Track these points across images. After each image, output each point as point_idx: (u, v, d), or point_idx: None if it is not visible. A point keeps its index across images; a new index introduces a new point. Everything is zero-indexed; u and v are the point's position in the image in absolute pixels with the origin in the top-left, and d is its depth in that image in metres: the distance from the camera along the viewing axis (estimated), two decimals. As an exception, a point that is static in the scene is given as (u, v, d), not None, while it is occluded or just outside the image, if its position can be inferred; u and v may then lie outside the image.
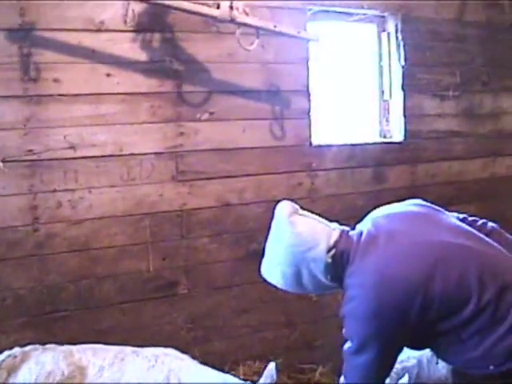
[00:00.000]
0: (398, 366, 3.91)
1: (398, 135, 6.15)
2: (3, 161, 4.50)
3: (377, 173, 5.96)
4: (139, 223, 4.97)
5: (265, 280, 3.25)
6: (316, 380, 5.38)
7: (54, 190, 4.69)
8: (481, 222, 3.31)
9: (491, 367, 2.91)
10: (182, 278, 5.16)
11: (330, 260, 3.02)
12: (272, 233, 3.18)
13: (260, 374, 3.83)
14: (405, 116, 6.14)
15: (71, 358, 3.81)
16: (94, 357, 3.86)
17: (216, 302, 5.33)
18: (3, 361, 3.77)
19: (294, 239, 3.03)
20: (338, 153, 5.73)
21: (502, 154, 6.82)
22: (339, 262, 3.05)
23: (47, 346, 3.95)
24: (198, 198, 5.16)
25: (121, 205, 4.90)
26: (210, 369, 3.82)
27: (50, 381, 3.70)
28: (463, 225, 3.21)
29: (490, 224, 3.32)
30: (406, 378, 3.80)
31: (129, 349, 3.95)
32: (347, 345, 3.01)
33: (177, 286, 5.15)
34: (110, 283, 4.93)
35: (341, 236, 3.10)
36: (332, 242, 3.06)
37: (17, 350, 3.83)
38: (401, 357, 3.92)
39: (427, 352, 3.89)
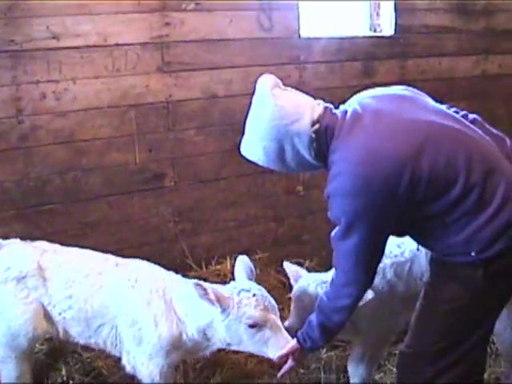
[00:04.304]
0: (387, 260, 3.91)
1: (388, 29, 6.04)
2: (-16, 52, 4.41)
3: (366, 67, 5.88)
4: (125, 115, 4.91)
5: (247, 159, 3.16)
6: (303, 274, 5.40)
7: (38, 82, 4.61)
8: (462, 112, 3.27)
9: (473, 253, 2.91)
10: (169, 170, 5.15)
11: (313, 135, 2.96)
12: (253, 108, 3.09)
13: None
14: (395, 10, 6.00)
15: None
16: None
17: (203, 194, 5.34)
18: None
19: (277, 112, 2.95)
20: (327, 46, 5.63)
21: (494, 51, 6.71)
22: (323, 137, 2.98)
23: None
24: (184, 89, 5.08)
25: (106, 96, 4.83)
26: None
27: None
28: (449, 110, 3.17)
29: (472, 115, 3.27)
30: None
31: (111, 261, 3.86)
32: (335, 230, 2.98)
33: (163, 179, 5.14)
34: (96, 176, 4.91)
35: (325, 111, 3.03)
36: (316, 116, 2.98)
37: None
38: (394, 251, 3.96)
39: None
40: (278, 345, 3.37)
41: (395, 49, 6.04)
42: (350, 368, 4.18)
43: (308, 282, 3.81)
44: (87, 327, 3.70)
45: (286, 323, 3.62)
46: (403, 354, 3.28)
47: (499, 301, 3.11)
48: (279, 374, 3.52)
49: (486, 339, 3.19)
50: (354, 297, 3.08)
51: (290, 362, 3.37)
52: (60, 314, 3.70)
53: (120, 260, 3.85)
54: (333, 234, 2.99)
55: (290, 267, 4.00)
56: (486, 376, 4.15)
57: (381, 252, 3.06)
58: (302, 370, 4.49)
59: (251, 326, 3.37)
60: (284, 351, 3.33)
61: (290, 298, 3.94)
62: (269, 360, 3.59)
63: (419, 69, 6.20)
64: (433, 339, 3.10)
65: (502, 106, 6.65)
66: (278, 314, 3.50)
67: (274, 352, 3.38)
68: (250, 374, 4.54)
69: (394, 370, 3.71)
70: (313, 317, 3.21)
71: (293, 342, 3.31)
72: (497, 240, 2.88)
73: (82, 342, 3.83)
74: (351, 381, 4.21)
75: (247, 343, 3.46)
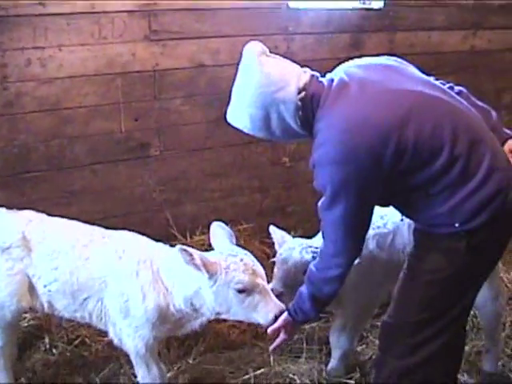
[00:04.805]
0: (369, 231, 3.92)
1: (377, 2, 5.96)
2: (-32, 17, 4.35)
3: (354, 39, 5.85)
4: (111, 83, 4.87)
5: (233, 127, 3.16)
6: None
7: (23, 48, 4.55)
8: (448, 84, 3.26)
9: (457, 224, 2.93)
10: (155, 139, 5.12)
11: (299, 103, 2.96)
12: (240, 75, 3.09)
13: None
14: (385, -18, 5.96)
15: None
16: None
17: (188, 164, 5.32)
18: None
19: (264, 79, 2.95)
20: (316, 17, 5.59)
21: (484, 27, 6.67)
22: (309, 105, 2.99)
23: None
24: (171, 58, 5.04)
25: (92, 64, 4.78)
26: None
27: None
28: (435, 81, 3.17)
29: (458, 87, 3.28)
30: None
31: (98, 232, 3.82)
32: (321, 200, 2.98)
33: (149, 148, 5.12)
34: (81, 144, 4.88)
35: (311, 79, 3.04)
36: (302, 83, 2.99)
37: None
38: (377, 222, 3.96)
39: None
40: (267, 309, 3.36)
41: (384, 22, 6.00)
42: (332, 339, 4.21)
43: (292, 246, 3.83)
44: (73, 300, 3.67)
45: (269, 286, 3.63)
46: (385, 324, 3.31)
47: (482, 272, 3.15)
48: (271, 348, 3.54)
49: (467, 311, 3.24)
50: (344, 266, 3.09)
51: (282, 336, 3.38)
52: (45, 286, 3.67)
53: (107, 231, 3.82)
54: (319, 203, 3.00)
55: (275, 232, 4.03)
56: (467, 349, 4.21)
57: (367, 221, 3.07)
58: (284, 341, 4.51)
59: (240, 291, 3.36)
60: (276, 325, 3.33)
61: (273, 263, 3.95)
62: (251, 330, 3.59)
63: (408, 42, 6.17)
64: (415, 310, 3.13)
65: (490, 81, 6.63)
66: (266, 278, 3.49)
67: (263, 317, 3.38)
68: (233, 343, 4.56)
69: (377, 342, 3.75)
70: (303, 289, 3.23)
71: (284, 315, 3.31)
72: (480, 212, 2.90)
73: (67, 315, 3.80)
74: (332, 352, 4.25)
75: (236, 309, 3.43)
